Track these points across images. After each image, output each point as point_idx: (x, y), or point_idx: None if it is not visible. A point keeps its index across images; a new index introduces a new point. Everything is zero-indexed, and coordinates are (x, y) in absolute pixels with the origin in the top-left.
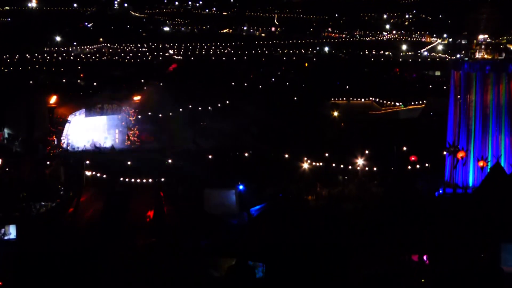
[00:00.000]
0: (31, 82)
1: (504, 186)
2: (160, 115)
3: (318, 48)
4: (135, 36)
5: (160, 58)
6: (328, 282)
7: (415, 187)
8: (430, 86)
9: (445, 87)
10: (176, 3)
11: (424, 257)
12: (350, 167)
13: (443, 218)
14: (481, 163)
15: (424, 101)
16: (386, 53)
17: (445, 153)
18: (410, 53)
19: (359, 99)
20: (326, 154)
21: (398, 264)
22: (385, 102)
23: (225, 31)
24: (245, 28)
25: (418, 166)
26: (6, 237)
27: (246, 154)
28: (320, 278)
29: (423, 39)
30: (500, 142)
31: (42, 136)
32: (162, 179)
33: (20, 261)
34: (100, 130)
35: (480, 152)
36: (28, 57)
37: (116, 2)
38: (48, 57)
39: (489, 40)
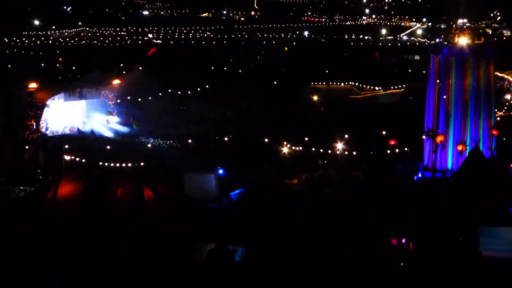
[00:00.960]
0: (9, 66)
1: (483, 170)
2: (140, 99)
3: (297, 32)
4: (114, 20)
5: (140, 42)
6: (307, 265)
7: (394, 171)
8: (410, 70)
9: (424, 72)
10: None
11: (403, 241)
12: (330, 151)
13: (422, 202)
14: (460, 147)
15: (404, 86)
16: (366, 37)
17: (424, 137)
18: (389, 37)
19: (339, 83)
20: (306, 138)
21: (377, 247)
22: (364, 86)
23: (204, 15)
24: (224, 12)
25: (397, 150)
26: None
27: (226, 139)
28: (300, 262)
29: (403, 24)
30: (479, 127)
31: (21, 121)
32: (142, 164)
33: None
34: (79, 115)
35: (459, 136)
36: (6, 40)
37: None
38: (26, 41)
39: (468, 24)
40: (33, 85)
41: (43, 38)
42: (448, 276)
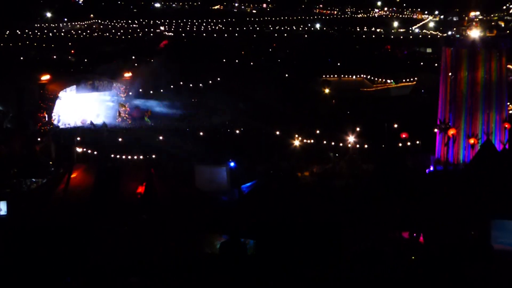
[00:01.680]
0: (21, 58)
1: (495, 163)
2: (151, 91)
3: (309, 24)
4: (126, 12)
5: (151, 34)
6: (318, 258)
7: (405, 164)
8: (422, 63)
9: (436, 64)
10: None
11: (414, 234)
12: (341, 144)
13: (433, 195)
14: (471, 141)
15: (415, 78)
16: (378, 30)
17: (436, 130)
18: (401, 30)
19: (350, 76)
20: (317, 131)
21: (388, 241)
22: (376, 79)
23: (216, 7)
24: (236, 4)
25: (409, 143)
26: None
27: (237, 131)
28: (311, 254)
29: (415, 16)
30: (491, 120)
31: (33, 113)
32: (153, 156)
33: (11, 237)
34: (91, 107)
35: (471, 129)
36: (19, 33)
37: None
38: (38, 33)
39: (480, 17)
40: (45, 77)
41: (55, 30)
42: (459, 269)
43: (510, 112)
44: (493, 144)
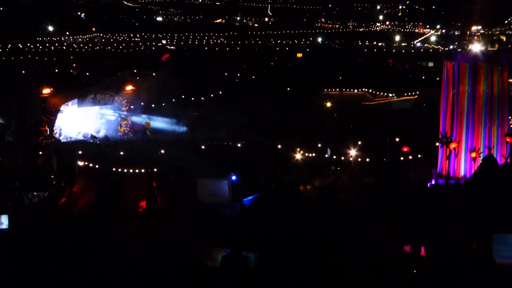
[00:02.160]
0: (23, 71)
1: (496, 177)
2: (153, 105)
3: (311, 38)
4: (128, 26)
5: (153, 48)
6: (320, 272)
7: (407, 177)
8: (423, 77)
9: (438, 78)
10: None
11: (416, 248)
12: (343, 157)
13: (435, 209)
14: (473, 154)
15: (417, 92)
16: (379, 44)
17: (437, 144)
18: (403, 44)
19: (352, 89)
20: (319, 145)
21: (390, 254)
22: (378, 93)
23: (218, 21)
24: (238, 18)
25: (410, 157)
26: None
27: (239, 145)
28: (312, 268)
29: (416, 30)
30: (492, 133)
31: (34, 126)
32: (155, 169)
33: (13, 251)
34: (93, 120)
35: (473, 143)
36: (20, 46)
37: None
38: (40, 47)
39: (482, 31)
40: (46, 91)
41: (57, 44)
42: (460, 283)
43: None
44: (494, 158)
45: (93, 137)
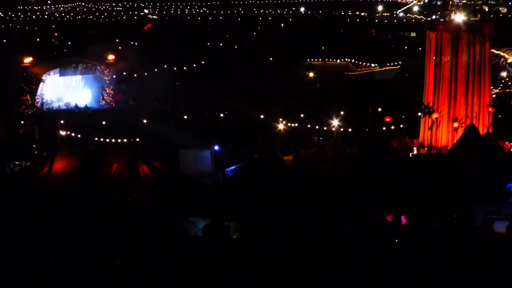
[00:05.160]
0: (4, 40)
1: (478, 147)
2: (135, 75)
3: (294, 8)
4: None
5: (135, 17)
6: (302, 240)
7: (389, 147)
8: (406, 47)
9: (420, 48)
10: None
11: (398, 217)
12: (325, 128)
13: (416, 178)
14: (455, 124)
15: (400, 62)
16: (362, 13)
17: (419, 114)
18: (385, 14)
19: (334, 60)
20: (302, 115)
21: (371, 223)
22: (360, 63)
23: None
24: None
25: (393, 127)
26: None
27: (222, 115)
28: (294, 237)
29: (399, 0)
30: (475, 104)
31: (16, 96)
32: (137, 139)
33: None
34: (75, 90)
35: (455, 113)
36: (1, 15)
37: None
38: (21, 16)
39: (464, 1)
40: (28, 60)
41: (38, 13)
42: (441, 253)
43: (494, 96)
44: (476, 128)
45: (77, 107)
